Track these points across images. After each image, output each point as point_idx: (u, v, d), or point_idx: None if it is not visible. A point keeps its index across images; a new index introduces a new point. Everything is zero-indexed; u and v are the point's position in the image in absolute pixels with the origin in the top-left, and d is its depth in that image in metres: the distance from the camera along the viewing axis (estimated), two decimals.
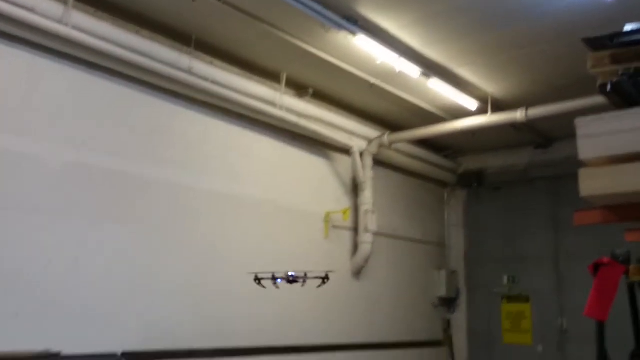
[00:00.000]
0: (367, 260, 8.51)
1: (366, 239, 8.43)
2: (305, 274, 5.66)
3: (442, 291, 10.10)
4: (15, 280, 5.06)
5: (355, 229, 8.59)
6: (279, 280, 5.26)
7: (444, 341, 10.21)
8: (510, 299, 9.83)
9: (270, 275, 5.44)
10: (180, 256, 6.39)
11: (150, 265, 6.09)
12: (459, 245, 10.60)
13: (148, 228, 6.14)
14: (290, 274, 5.51)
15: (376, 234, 8.57)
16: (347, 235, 8.56)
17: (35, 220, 5.26)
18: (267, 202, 7.42)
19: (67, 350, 5.27)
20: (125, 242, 5.92)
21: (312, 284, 7.82)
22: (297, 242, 7.75)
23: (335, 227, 8.30)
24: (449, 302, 10.35)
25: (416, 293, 9.76)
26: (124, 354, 5.71)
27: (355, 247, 8.55)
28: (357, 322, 8.51)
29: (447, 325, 10.30)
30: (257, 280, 5.56)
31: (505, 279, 9.89)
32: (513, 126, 8.26)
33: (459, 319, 10.33)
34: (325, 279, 5.40)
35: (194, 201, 6.61)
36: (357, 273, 8.59)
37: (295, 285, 7.57)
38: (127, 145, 6.07)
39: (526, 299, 9.66)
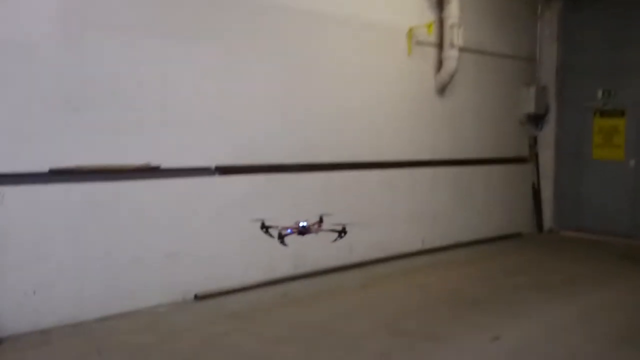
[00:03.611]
0: (452, 76, 8.27)
1: (451, 54, 8.12)
2: (320, 221, 4.76)
3: (531, 107, 9.78)
4: (112, 98, 5.31)
5: (440, 45, 8.27)
6: (289, 231, 4.56)
7: (530, 158, 10.13)
8: (604, 113, 9.43)
9: (278, 225, 4.63)
10: (269, 74, 6.46)
11: (240, 83, 6.21)
12: (551, 59, 10.02)
13: (235, 46, 6.17)
14: (301, 224, 4.68)
15: (462, 50, 8.23)
16: (431, 52, 8.26)
17: (119, 39, 5.37)
18: (350, 19, 7.17)
19: (165, 164, 5.67)
20: (213, 60, 6.00)
21: (399, 100, 7.82)
22: (381, 60, 7.59)
23: (418, 43, 8.01)
24: (536, 119, 10.07)
25: (503, 110, 9.53)
26: (217, 168, 6.07)
27: (440, 64, 8.29)
28: (441, 139, 8.52)
29: (534, 142, 10.13)
30: (264, 228, 4.74)
31: (599, 93, 9.43)
32: None
33: (547, 135, 10.10)
34: (342, 232, 4.58)
35: (279, 19, 6.50)
36: (442, 90, 8.42)
37: (380, 104, 7.61)
38: None
39: (621, 113, 9.23)
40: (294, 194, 6.69)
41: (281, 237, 4.56)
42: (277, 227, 4.53)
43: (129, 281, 5.46)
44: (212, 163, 6.04)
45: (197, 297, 5.87)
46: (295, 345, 4.64)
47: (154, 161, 5.58)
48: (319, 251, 6.88)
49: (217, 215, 6.07)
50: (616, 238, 9.22)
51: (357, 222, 7.30)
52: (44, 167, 4.93)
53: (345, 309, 5.67)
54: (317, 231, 4.64)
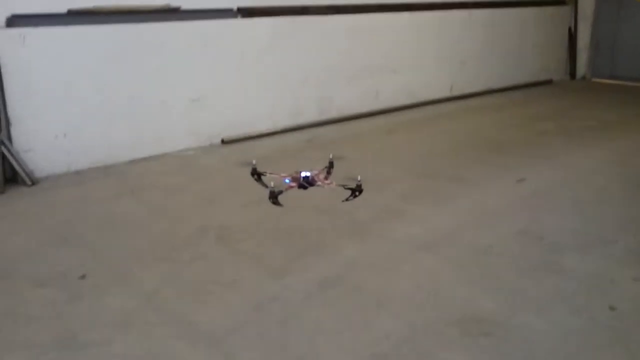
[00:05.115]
0: None
1: None
2: (330, 166, 4.15)
3: None
4: None
5: None
6: (286, 181, 3.95)
7: (569, 0, 9.56)
8: None
9: (274, 174, 4.09)
10: None
11: None
12: None
13: None
14: (303, 175, 3.98)
15: None
16: None
17: None
18: None
19: (186, 5, 5.46)
20: None
21: None
22: None
23: None
24: None
25: None
26: (240, 9, 5.85)
27: None
28: None
29: None
30: (256, 175, 4.25)
31: None
32: None
33: None
34: (356, 191, 3.96)
35: None
36: None
37: None
38: None
39: None
40: (318, 38, 6.49)
41: (274, 196, 3.84)
42: (271, 174, 3.91)
43: (155, 126, 5.50)
44: (234, 4, 5.81)
45: (224, 142, 5.94)
46: None
47: (174, 2, 5.38)
48: (345, 97, 6.82)
49: (240, 59, 5.95)
50: None
51: (384, 66, 7.16)
52: (62, 8, 4.79)
53: (370, 153, 5.70)
54: (323, 183, 4.03)
